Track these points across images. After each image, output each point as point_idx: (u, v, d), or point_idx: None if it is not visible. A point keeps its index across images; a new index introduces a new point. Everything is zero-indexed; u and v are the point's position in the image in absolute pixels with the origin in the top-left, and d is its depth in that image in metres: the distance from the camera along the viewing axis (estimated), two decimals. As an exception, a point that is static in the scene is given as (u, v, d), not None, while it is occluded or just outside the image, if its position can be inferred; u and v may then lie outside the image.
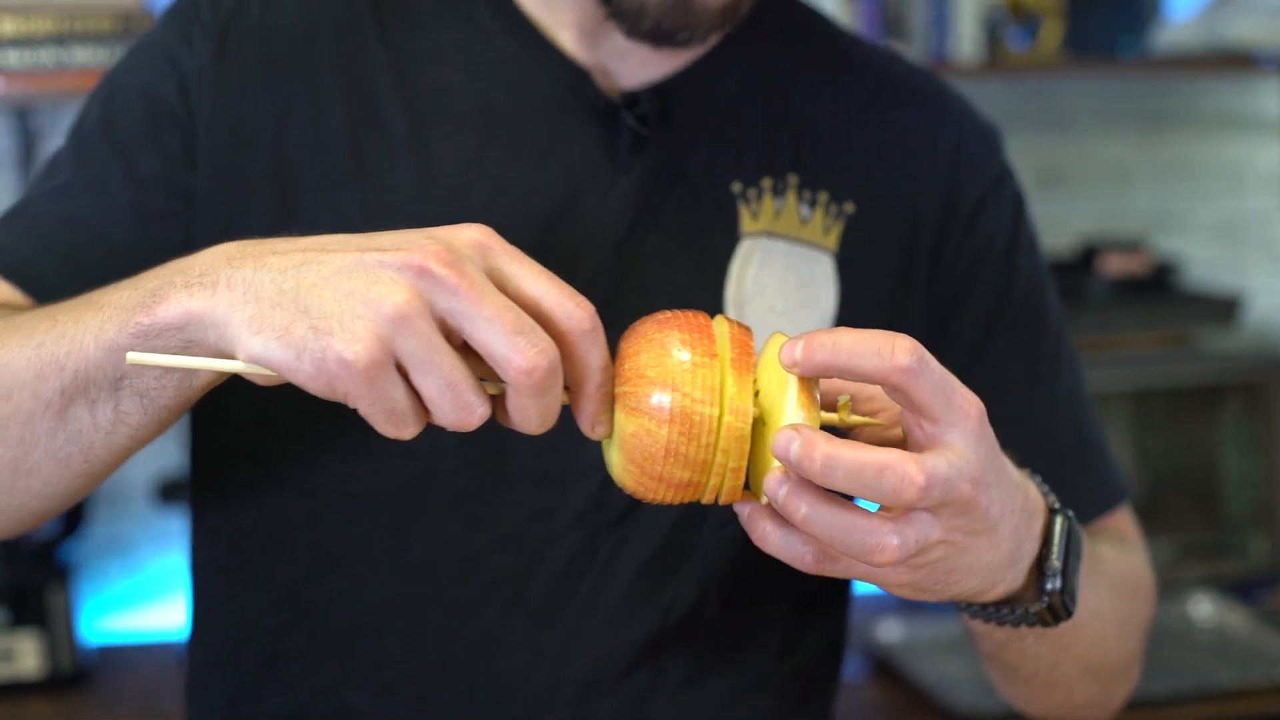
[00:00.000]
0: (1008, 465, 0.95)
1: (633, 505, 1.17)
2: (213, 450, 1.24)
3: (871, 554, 0.85)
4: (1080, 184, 3.30)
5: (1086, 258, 3.08)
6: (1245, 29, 3.10)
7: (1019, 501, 0.96)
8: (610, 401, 0.89)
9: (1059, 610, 1.02)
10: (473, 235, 0.89)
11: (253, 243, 0.93)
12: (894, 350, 0.84)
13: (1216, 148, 3.37)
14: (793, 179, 1.21)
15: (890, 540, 0.85)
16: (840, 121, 1.26)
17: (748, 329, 0.90)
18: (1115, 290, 3.02)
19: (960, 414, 0.86)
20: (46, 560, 2.58)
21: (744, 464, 0.88)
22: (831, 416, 0.89)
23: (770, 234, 1.20)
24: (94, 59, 2.56)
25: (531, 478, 1.16)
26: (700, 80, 1.23)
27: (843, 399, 0.90)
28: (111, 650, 2.70)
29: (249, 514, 1.23)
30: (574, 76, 1.20)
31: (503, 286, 0.87)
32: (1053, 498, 1.03)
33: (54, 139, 2.80)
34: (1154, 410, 3.05)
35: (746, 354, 0.88)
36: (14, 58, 2.53)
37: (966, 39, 2.93)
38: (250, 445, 1.21)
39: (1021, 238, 1.31)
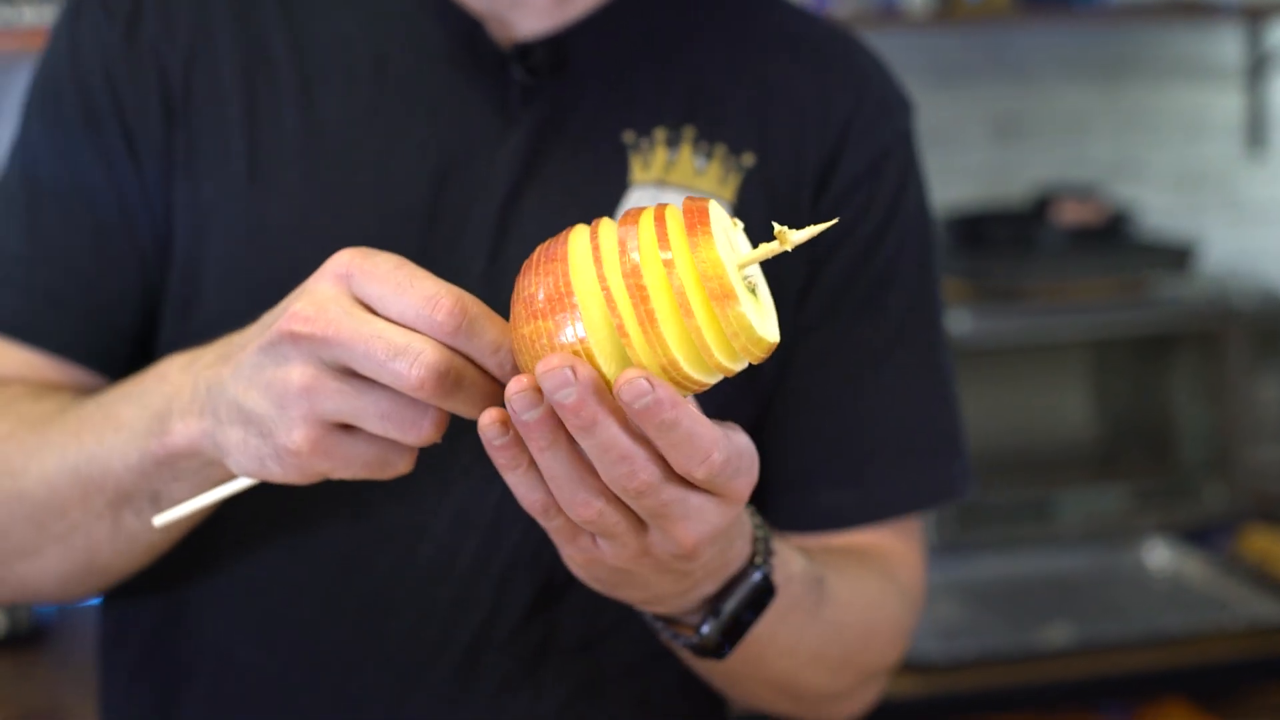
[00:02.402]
0: (744, 515, 0.97)
1: None
2: None
3: (575, 508, 0.85)
4: (1038, 134, 3.30)
5: (1040, 207, 3.08)
6: (1202, -25, 3.11)
7: (720, 553, 0.96)
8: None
9: (708, 649, 1.03)
10: (333, 270, 0.90)
11: (212, 348, 1.00)
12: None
13: (1174, 96, 3.37)
14: (689, 131, 1.21)
15: (595, 504, 0.85)
16: (740, 75, 1.24)
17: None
18: (1069, 239, 3.02)
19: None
20: (2, 520, 2.59)
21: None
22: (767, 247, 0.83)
23: (661, 183, 1.20)
24: (41, 18, 2.56)
25: None
26: (598, 30, 1.22)
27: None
28: (69, 610, 2.70)
29: None
30: (467, 27, 1.20)
31: (374, 312, 0.89)
32: (761, 545, 1.02)
33: (2, 100, 2.80)
34: (1109, 358, 3.06)
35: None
36: (-39, 18, 2.53)
37: (918, -12, 2.92)
38: None
39: (896, 222, 1.26)
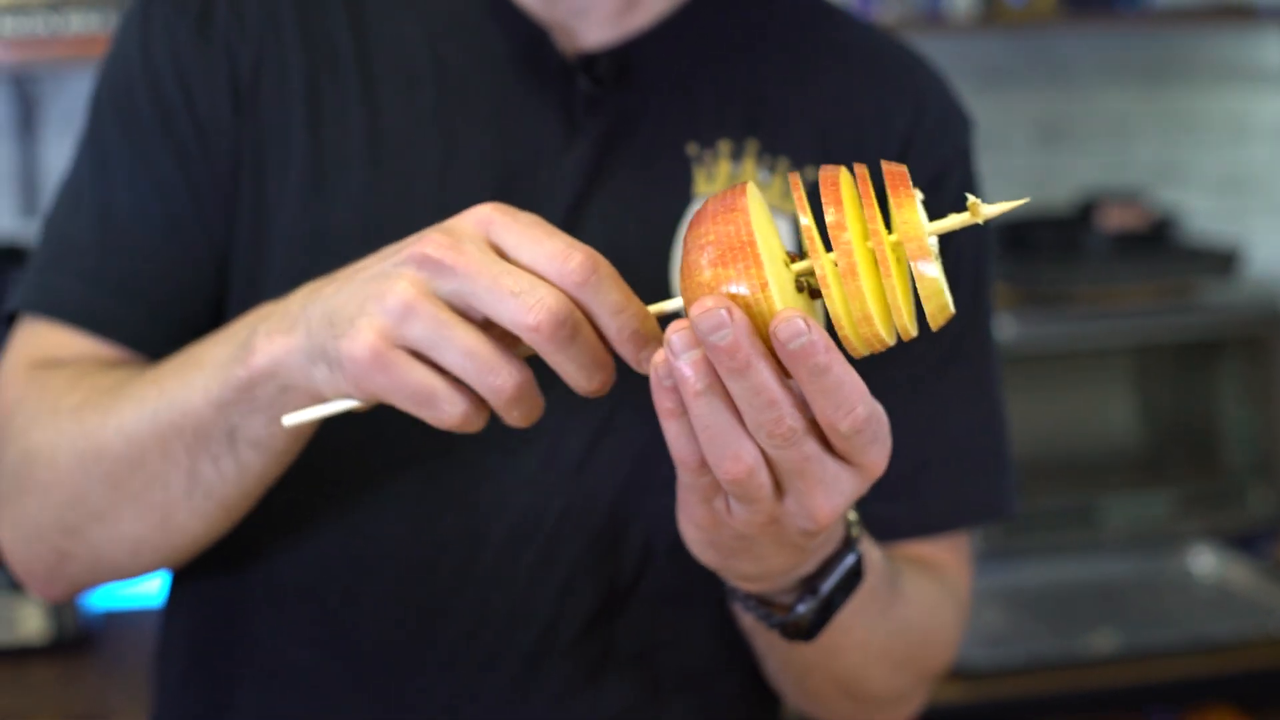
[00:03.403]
0: None
1: (579, 466, 1.18)
2: None
3: (725, 461, 0.84)
4: (1081, 138, 3.29)
5: (1085, 212, 3.07)
6: (1245, -21, 3.09)
7: (832, 533, 0.98)
8: (643, 338, 0.89)
9: (801, 629, 1.03)
10: (477, 215, 0.91)
11: (321, 279, 0.99)
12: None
13: (1218, 99, 3.35)
14: (752, 144, 1.21)
15: (745, 458, 0.84)
16: (804, 88, 1.24)
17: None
18: (1114, 244, 3.01)
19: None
20: (49, 525, 2.60)
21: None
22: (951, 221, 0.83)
23: None
24: (88, 26, 2.57)
25: (480, 439, 1.16)
26: (662, 41, 1.22)
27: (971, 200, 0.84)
28: (115, 614, 2.71)
29: None
30: (532, 35, 1.20)
31: (505, 258, 0.90)
32: (856, 529, 1.04)
33: (51, 108, 2.82)
34: (1154, 363, 3.05)
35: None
36: (9, 25, 2.54)
37: (962, -6, 2.92)
38: None
39: (954, 239, 1.25)
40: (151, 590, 2.77)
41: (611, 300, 0.89)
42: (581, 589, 1.19)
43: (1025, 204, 0.86)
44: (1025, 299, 2.86)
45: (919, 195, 0.82)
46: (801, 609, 1.03)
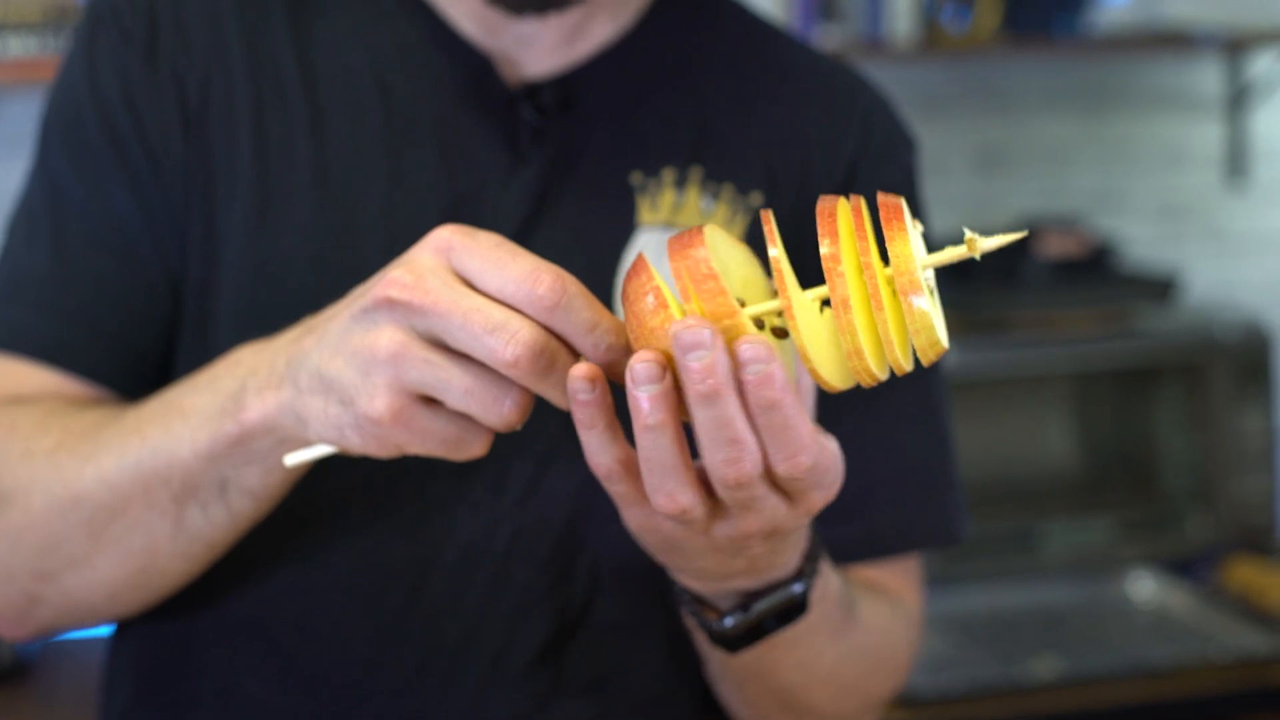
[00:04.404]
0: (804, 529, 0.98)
1: (528, 490, 1.17)
2: None
3: (659, 496, 0.85)
4: (1020, 164, 3.31)
5: (1024, 239, 3.08)
6: (1182, 8, 3.12)
7: (771, 553, 0.97)
8: (620, 352, 0.88)
9: (725, 640, 1.04)
10: (434, 242, 0.90)
11: (298, 326, 0.99)
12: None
13: (1156, 127, 3.38)
14: (695, 172, 1.21)
15: (681, 498, 0.85)
16: (748, 114, 1.24)
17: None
18: (1053, 271, 3.03)
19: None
20: (-16, 554, 2.57)
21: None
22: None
23: (669, 225, 1.19)
24: (26, 49, 2.56)
25: (427, 466, 1.16)
26: (606, 70, 1.22)
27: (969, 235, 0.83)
28: (54, 644, 2.69)
29: None
30: (476, 65, 1.20)
31: (472, 286, 0.89)
32: (812, 565, 1.03)
33: (-13, 130, 2.79)
34: (1093, 390, 3.07)
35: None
36: (-54, 49, 2.53)
37: (902, 19, 2.93)
38: None
39: None
40: (88, 619, 2.75)
41: (584, 319, 0.88)
42: (532, 616, 1.18)
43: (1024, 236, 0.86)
44: (965, 325, 2.87)
45: (919, 228, 0.82)
46: (728, 622, 1.03)
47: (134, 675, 1.26)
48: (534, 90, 1.20)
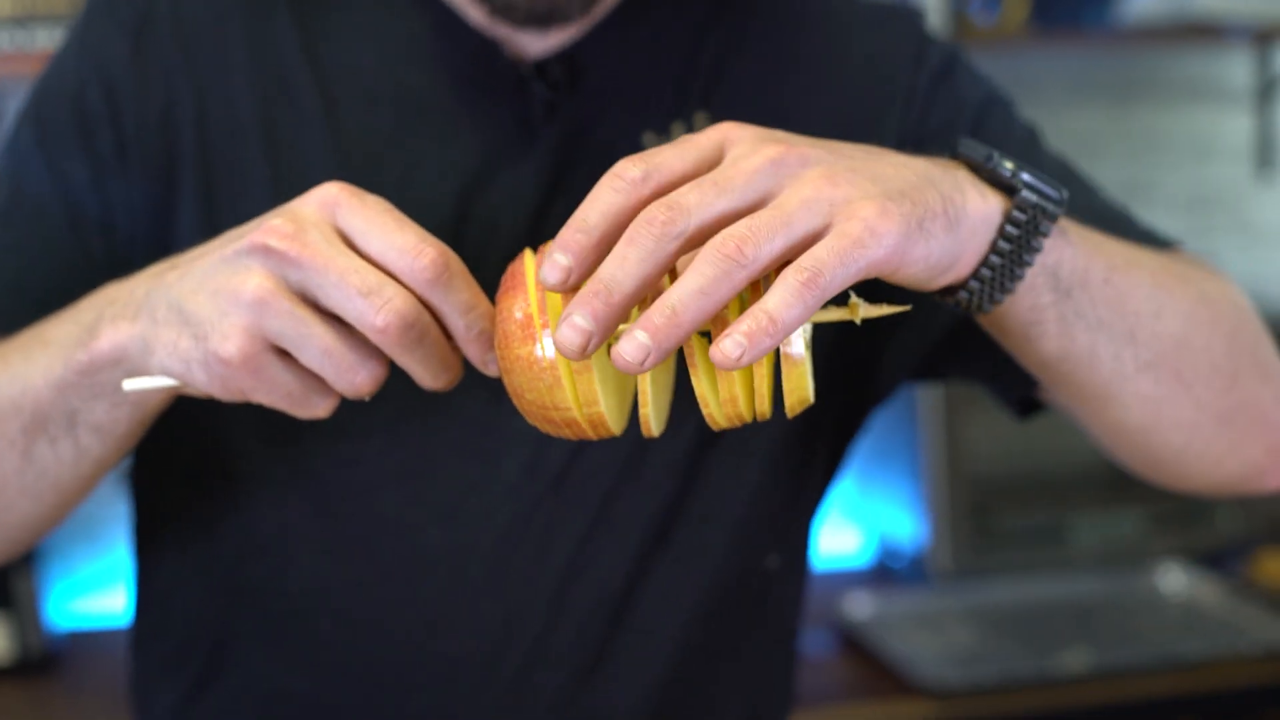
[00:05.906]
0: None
1: (563, 471, 1.17)
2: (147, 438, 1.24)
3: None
4: (1049, 156, 3.29)
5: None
6: (1212, -1, 3.10)
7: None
8: (490, 338, 0.89)
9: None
10: (320, 197, 0.90)
11: (162, 262, 0.96)
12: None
13: (1185, 118, 3.36)
14: (700, 119, 1.20)
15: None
16: (752, 56, 1.24)
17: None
18: (1082, 263, 3.02)
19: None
20: (13, 545, 2.57)
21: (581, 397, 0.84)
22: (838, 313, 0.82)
23: None
24: (54, 41, 2.55)
25: (461, 451, 1.15)
26: (609, 39, 1.22)
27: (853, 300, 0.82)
28: (81, 635, 2.69)
29: (176, 503, 1.23)
30: (483, 49, 1.20)
31: (352, 246, 0.88)
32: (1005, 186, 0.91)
33: (16, 122, 2.80)
34: (1123, 382, 3.05)
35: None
36: (-26, 41, 2.53)
37: (930, 11, 2.92)
38: (176, 431, 1.21)
39: (973, 91, 1.27)
40: (117, 610, 2.75)
41: (461, 299, 0.88)
42: (573, 595, 1.19)
43: (906, 310, 0.85)
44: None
45: None
46: (1025, 186, 0.90)
47: (174, 677, 1.26)
48: (542, 67, 1.19)
